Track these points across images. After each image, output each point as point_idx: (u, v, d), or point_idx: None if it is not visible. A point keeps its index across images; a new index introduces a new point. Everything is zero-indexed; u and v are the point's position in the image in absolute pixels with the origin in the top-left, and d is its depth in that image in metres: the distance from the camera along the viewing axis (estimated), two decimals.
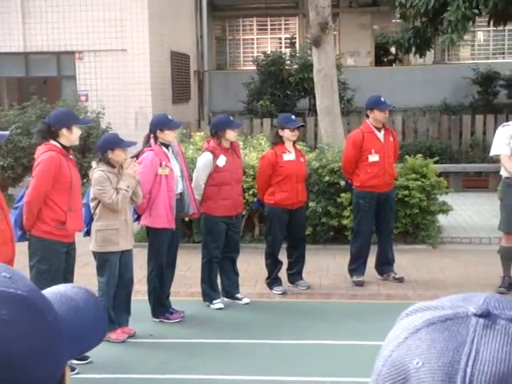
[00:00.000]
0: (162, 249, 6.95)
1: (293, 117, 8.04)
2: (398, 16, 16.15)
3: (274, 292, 8.02)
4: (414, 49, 16.61)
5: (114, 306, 6.49)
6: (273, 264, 8.07)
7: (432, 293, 7.96)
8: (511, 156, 7.62)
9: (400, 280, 8.37)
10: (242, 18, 22.82)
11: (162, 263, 6.97)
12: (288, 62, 17.65)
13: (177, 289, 7.84)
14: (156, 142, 6.91)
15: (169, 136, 6.96)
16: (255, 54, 22.09)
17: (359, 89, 17.82)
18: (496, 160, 14.90)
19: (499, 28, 20.32)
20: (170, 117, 7.08)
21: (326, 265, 9.19)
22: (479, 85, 19.50)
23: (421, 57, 17.66)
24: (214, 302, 7.54)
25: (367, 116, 8.24)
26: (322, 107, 10.72)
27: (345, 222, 9.78)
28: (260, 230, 10.20)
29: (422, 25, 16.46)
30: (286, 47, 21.30)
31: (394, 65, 24.41)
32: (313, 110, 15.97)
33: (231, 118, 7.57)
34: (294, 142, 8.04)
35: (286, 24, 22.92)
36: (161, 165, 6.84)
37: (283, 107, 17.19)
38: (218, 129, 7.38)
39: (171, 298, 7.29)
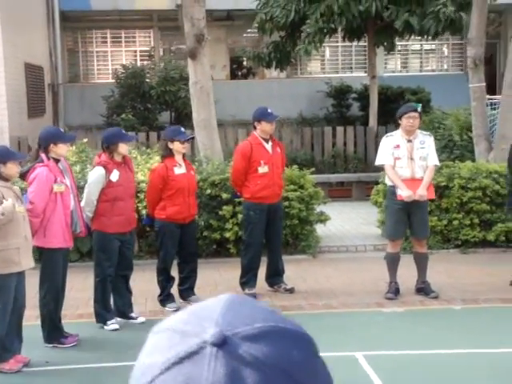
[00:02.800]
0: (58, 270, 6.58)
1: (182, 129, 7.90)
2: (257, 30, 16.34)
3: (168, 309, 7.79)
4: (274, 63, 16.92)
5: (6, 334, 6.06)
6: (165, 280, 7.86)
7: (324, 302, 8.08)
8: (394, 166, 7.87)
9: (291, 291, 8.40)
10: (94, 29, 22.26)
11: (57, 285, 6.60)
12: (148, 75, 17.40)
13: (63, 311, 7.43)
14: (48, 158, 6.53)
15: (62, 150, 6.62)
16: (110, 67, 21.65)
17: (218, 102, 17.88)
18: (356, 170, 15.53)
19: (347, 44, 21.16)
20: (62, 129, 6.73)
21: (212, 279, 9.06)
22: (333, 98, 20.12)
23: (281, 71, 18.02)
24: (109, 322, 7.23)
25: (254, 128, 8.24)
26: (198, 120, 10.62)
27: (227, 234, 9.72)
28: (140, 246, 9.92)
29: (281, 39, 16.80)
30: (141, 60, 21.00)
31: (248, 78, 24.71)
32: (175, 123, 15.83)
33: (123, 131, 7.32)
34: (184, 155, 7.89)
35: (140, 36, 22.61)
36: (56, 181, 6.48)
37: (144, 120, 16.93)
38: (109, 142, 7.10)
39: None
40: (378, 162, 8.13)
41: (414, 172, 7.85)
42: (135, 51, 22.32)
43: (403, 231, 8.14)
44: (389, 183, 8.02)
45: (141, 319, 7.41)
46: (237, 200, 9.12)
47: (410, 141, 7.88)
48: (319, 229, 10.84)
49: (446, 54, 23.46)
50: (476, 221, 10.18)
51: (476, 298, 8.04)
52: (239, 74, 24.58)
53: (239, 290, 8.33)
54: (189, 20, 10.29)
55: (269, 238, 8.30)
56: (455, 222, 10.17)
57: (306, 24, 14.57)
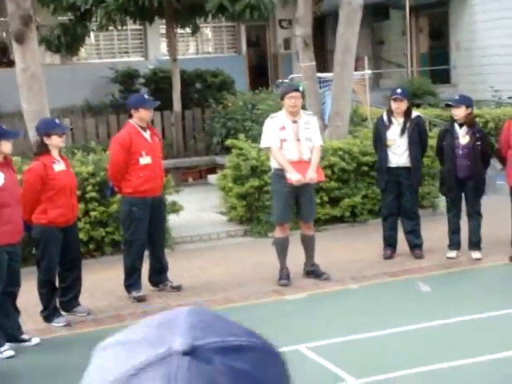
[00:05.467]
0: None
1: (57, 121, 7.02)
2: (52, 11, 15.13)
3: (55, 325, 6.92)
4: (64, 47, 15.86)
5: None
6: (49, 292, 6.96)
7: (220, 296, 7.67)
8: (281, 148, 7.65)
9: (178, 288, 7.88)
10: None
11: None
12: None
13: None
14: None
15: (4, 148, 5.68)
16: None
17: None
18: (168, 156, 15.08)
19: (123, 28, 20.41)
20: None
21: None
22: (119, 83, 19.38)
23: (73, 56, 16.94)
24: (1, 349, 6.23)
25: (130, 116, 7.56)
26: (29, 111, 9.54)
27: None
28: None
29: (70, 21, 15.76)
30: None
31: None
32: None
33: (4, 127, 6.32)
34: (60, 150, 7.02)
35: None
36: None
37: None
38: None
39: None
40: (263, 145, 7.85)
41: (302, 153, 7.69)
42: None
43: (290, 215, 7.97)
44: (275, 166, 7.77)
45: (35, 340, 6.49)
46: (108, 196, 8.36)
47: (295, 122, 7.70)
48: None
49: (222, 36, 23.58)
50: (325, 199, 10.31)
51: (364, 275, 8.11)
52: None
53: (123, 293, 7.65)
54: (13, 0, 9.17)
55: (152, 233, 7.67)
56: None
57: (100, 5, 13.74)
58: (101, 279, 8.36)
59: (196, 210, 11.67)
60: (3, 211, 6.10)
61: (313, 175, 7.65)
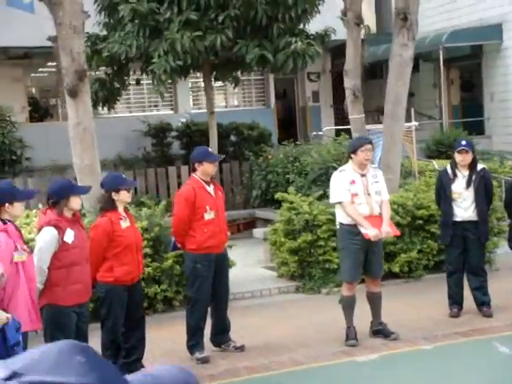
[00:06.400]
0: None
1: (123, 175, 6.81)
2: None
3: None
4: (101, 102, 15.82)
5: None
6: (115, 355, 6.65)
7: (287, 356, 7.32)
8: (352, 203, 7.39)
9: (241, 349, 7.55)
10: None
11: None
12: None
13: None
14: (4, 221, 5.20)
15: (18, 210, 5.32)
16: None
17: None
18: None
19: (150, 82, 20.37)
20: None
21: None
22: (151, 137, 19.32)
23: (109, 110, 16.90)
24: None
25: (194, 170, 7.35)
26: (82, 166, 9.37)
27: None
28: None
29: (107, 76, 15.75)
30: None
31: (44, 120, 23.04)
32: None
33: (73, 182, 6.11)
34: (125, 207, 6.80)
35: None
36: (16, 248, 5.16)
37: None
38: (59, 196, 5.85)
39: None
40: (334, 200, 7.57)
41: (373, 208, 7.42)
42: None
43: (360, 272, 7.66)
44: (344, 221, 7.49)
45: None
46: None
47: (363, 175, 7.46)
48: None
49: (251, 89, 23.57)
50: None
51: (435, 335, 7.75)
52: (36, 115, 22.89)
53: (186, 354, 7.33)
54: (68, 53, 9.07)
55: (216, 290, 7.38)
56: None
57: (151, 62, 13.68)
58: (157, 339, 8.04)
59: (242, 266, 11.37)
60: (73, 270, 5.85)
61: (389, 229, 7.39)
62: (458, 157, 8.21)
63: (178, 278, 9.09)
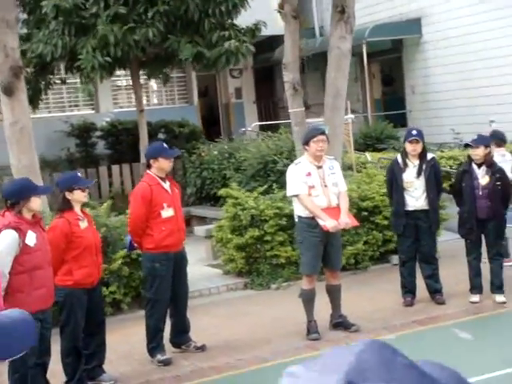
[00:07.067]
0: None
1: (79, 174, 6.51)
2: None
3: None
4: None
5: None
6: (76, 361, 6.35)
7: (251, 354, 7.18)
8: (309, 195, 7.31)
9: (202, 348, 7.36)
10: None
11: None
12: None
13: None
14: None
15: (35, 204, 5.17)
16: None
17: None
18: None
19: (72, 80, 19.82)
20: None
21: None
22: (75, 137, 18.82)
23: (34, 110, 16.28)
24: None
25: (148, 167, 7.12)
26: (20, 167, 8.96)
27: None
28: None
29: (31, 75, 15.19)
30: None
31: None
32: None
33: (32, 182, 5.79)
34: (82, 206, 6.51)
35: None
36: None
37: None
38: (19, 197, 5.54)
39: None
40: (290, 193, 7.47)
41: (330, 200, 7.36)
42: None
43: (320, 265, 7.59)
44: (302, 214, 7.39)
45: None
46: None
47: (319, 167, 7.39)
48: None
49: (173, 87, 23.24)
50: None
51: (393, 325, 7.77)
52: None
53: (145, 357, 7.09)
54: (2, 49, 8.65)
55: (176, 290, 7.17)
56: None
57: (77, 59, 13.26)
58: (112, 342, 7.69)
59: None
60: (36, 274, 5.54)
61: (348, 220, 7.34)
62: (408, 146, 8.25)
63: (126, 280, 8.83)
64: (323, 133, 7.38)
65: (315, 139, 7.28)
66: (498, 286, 8.24)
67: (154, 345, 7.05)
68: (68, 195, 6.25)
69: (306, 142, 7.38)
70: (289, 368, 0.87)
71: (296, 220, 7.57)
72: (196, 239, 12.73)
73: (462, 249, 9.06)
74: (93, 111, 21.87)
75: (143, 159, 14.98)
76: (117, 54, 13.04)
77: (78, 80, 19.64)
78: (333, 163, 7.56)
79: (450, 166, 13.71)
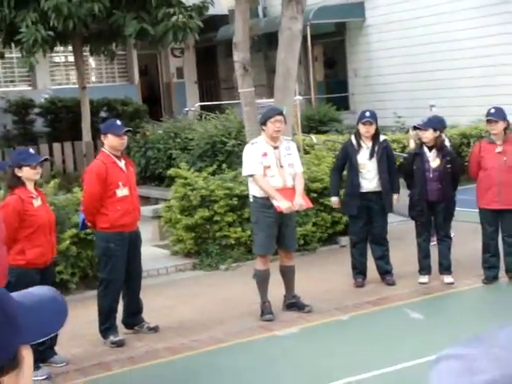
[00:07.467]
0: None
1: (31, 150, 6.30)
2: None
3: (35, 379, 6.13)
4: None
5: None
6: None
7: (206, 335, 7.12)
8: (264, 175, 7.27)
9: (155, 329, 7.26)
10: None
11: None
12: None
13: None
14: None
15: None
16: None
17: None
18: None
19: (8, 55, 19.25)
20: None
21: None
22: (12, 114, 18.35)
23: None
24: None
25: (103, 143, 6.95)
26: None
27: None
28: None
29: None
30: None
31: None
32: None
33: None
34: (35, 184, 6.31)
35: None
36: None
37: None
38: None
39: None
40: (246, 173, 7.40)
41: (286, 180, 7.33)
42: None
43: (274, 246, 7.56)
44: (257, 194, 7.35)
45: None
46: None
47: (276, 147, 7.34)
48: None
49: (113, 65, 22.82)
50: None
51: (346, 305, 7.82)
52: None
53: (97, 338, 6.96)
54: None
55: (130, 270, 7.04)
56: None
57: (17, 33, 12.87)
58: None
59: None
60: None
61: (302, 201, 7.32)
62: (362, 128, 8.28)
63: (73, 260, 8.64)
64: (281, 113, 7.34)
65: (272, 119, 7.23)
66: (446, 267, 8.37)
67: (107, 326, 6.92)
68: (18, 172, 6.05)
69: (264, 122, 7.32)
70: (442, 353, 0.79)
71: (251, 200, 7.52)
72: (142, 219, 12.57)
73: (408, 231, 9.20)
74: (30, 88, 21.34)
75: (86, 137, 14.74)
76: (62, 27, 12.70)
77: (14, 55, 19.24)
78: (289, 144, 7.53)
79: (394, 149, 13.84)
